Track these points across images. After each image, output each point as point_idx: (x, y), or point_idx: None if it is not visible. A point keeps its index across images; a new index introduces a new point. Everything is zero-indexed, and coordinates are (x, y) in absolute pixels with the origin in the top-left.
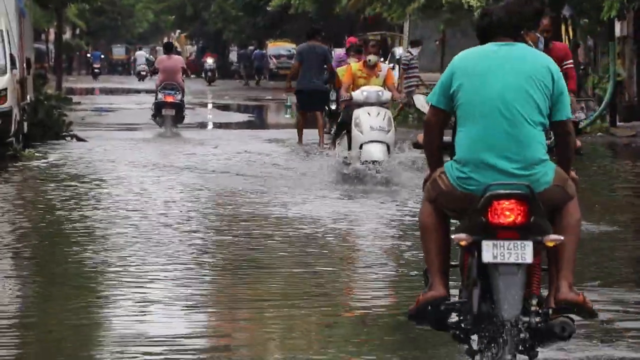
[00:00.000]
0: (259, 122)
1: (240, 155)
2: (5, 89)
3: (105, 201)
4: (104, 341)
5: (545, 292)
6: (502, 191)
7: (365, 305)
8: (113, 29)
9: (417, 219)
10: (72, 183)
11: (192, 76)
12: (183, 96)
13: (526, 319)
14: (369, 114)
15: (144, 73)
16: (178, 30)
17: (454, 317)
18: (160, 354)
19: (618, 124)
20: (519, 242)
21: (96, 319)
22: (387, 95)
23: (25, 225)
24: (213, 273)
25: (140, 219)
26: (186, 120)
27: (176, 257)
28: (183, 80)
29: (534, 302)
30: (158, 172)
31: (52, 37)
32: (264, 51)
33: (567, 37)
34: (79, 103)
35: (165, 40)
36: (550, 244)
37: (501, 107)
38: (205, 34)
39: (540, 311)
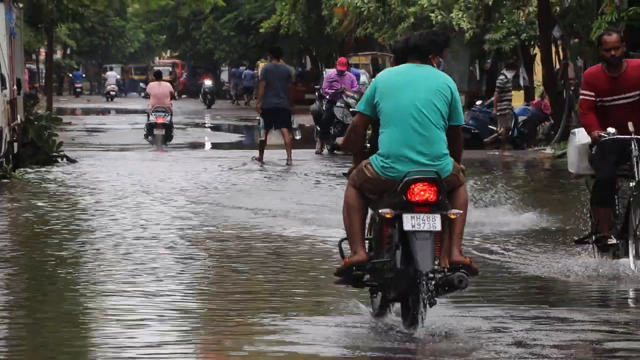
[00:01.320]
0: (250, 142)
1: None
2: None
3: (92, 221)
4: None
5: None
6: (417, 176)
7: None
8: (104, 49)
9: None
10: (61, 204)
11: (183, 96)
12: (172, 118)
13: (436, 274)
14: None
15: (113, 93)
16: (169, 50)
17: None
18: None
19: None
20: (430, 215)
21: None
22: None
23: (8, 243)
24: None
25: (125, 238)
26: (179, 140)
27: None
28: (171, 104)
29: (436, 262)
30: (149, 193)
31: (43, 57)
32: (255, 71)
33: (557, 57)
34: (69, 123)
35: (157, 60)
36: (453, 217)
37: (414, 114)
38: (197, 54)
39: (440, 269)
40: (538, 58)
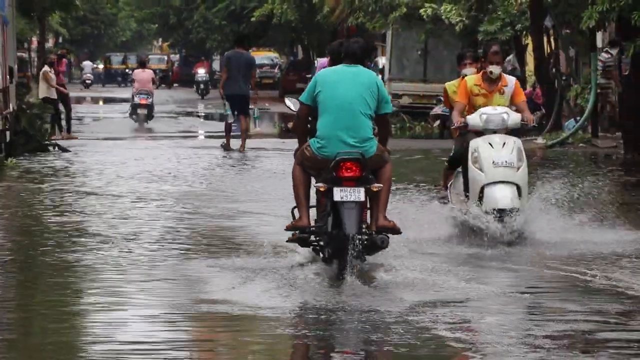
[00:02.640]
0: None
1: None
2: None
3: (84, 209)
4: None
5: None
6: (345, 156)
7: None
8: (96, 38)
9: None
10: (53, 193)
11: (175, 85)
12: (153, 100)
13: (360, 236)
14: (491, 144)
15: (89, 82)
16: (160, 39)
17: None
18: None
19: (599, 134)
20: (356, 188)
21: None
22: (514, 118)
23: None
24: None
25: (117, 225)
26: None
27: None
28: (152, 88)
29: (364, 226)
30: (141, 181)
31: (34, 45)
32: None
33: (548, 47)
34: (61, 112)
35: (144, 51)
36: (375, 190)
37: (346, 104)
38: (189, 43)
39: (366, 232)
40: (530, 48)
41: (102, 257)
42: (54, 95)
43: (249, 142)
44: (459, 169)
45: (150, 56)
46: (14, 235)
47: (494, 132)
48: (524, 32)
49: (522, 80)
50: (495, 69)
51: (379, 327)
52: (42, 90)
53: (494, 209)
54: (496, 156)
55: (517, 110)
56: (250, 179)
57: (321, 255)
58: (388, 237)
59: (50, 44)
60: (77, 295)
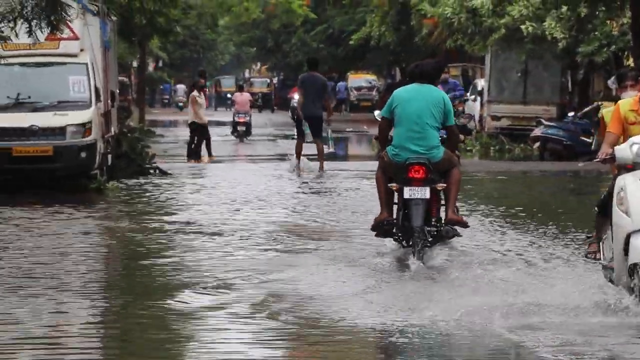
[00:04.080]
0: (342, 152)
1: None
2: (90, 122)
3: (182, 235)
4: None
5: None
6: (414, 161)
7: None
8: (195, 61)
9: None
10: (154, 217)
11: (275, 108)
12: (251, 118)
13: (427, 227)
14: None
15: (181, 104)
16: (259, 63)
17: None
18: None
19: None
20: (422, 188)
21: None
22: None
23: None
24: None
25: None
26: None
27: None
28: (251, 108)
29: (434, 220)
30: (241, 206)
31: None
32: (345, 83)
33: None
34: (161, 135)
35: (246, 74)
36: (439, 188)
37: (416, 118)
38: (286, 66)
39: (436, 224)
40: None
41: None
42: (203, 120)
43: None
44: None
45: (252, 79)
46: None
47: None
48: (626, 53)
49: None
50: None
51: None
52: (191, 115)
53: (636, 265)
54: None
55: None
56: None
57: (403, 243)
58: (455, 230)
59: (150, 68)
60: None
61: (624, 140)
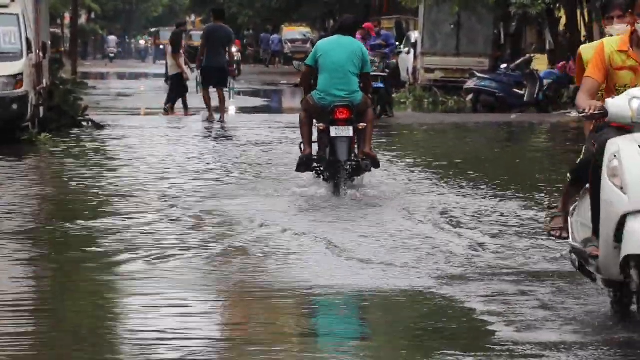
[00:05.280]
0: (276, 106)
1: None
2: (21, 74)
3: (116, 185)
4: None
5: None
6: (339, 104)
7: None
8: (128, 13)
9: None
10: (84, 168)
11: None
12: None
13: (350, 162)
14: None
15: (112, 55)
16: (193, 14)
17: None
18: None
19: None
20: (346, 127)
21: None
22: None
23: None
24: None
25: (146, 203)
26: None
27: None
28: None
29: (353, 155)
30: (172, 157)
31: (67, 21)
32: (279, 35)
33: (582, 20)
34: (94, 87)
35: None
36: (360, 127)
37: (338, 66)
38: None
39: (354, 159)
40: (563, 21)
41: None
42: (184, 70)
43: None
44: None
45: (191, 32)
46: (45, 210)
47: None
48: (557, 5)
49: (555, 54)
50: None
51: None
52: (173, 67)
53: (632, 257)
54: None
55: None
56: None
57: (321, 177)
58: (370, 164)
59: (83, 20)
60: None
61: (606, 90)
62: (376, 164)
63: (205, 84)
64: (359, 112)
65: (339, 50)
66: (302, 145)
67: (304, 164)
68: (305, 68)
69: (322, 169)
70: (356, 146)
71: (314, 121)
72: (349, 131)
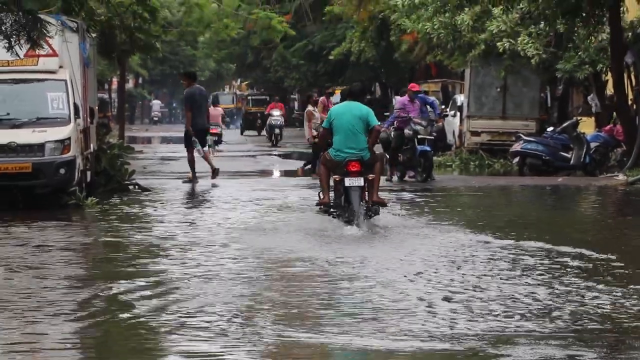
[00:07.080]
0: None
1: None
2: (69, 139)
3: (162, 251)
4: None
5: None
6: (351, 158)
7: None
8: (175, 78)
9: None
10: (132, 232)
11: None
12: (222, 130)
13: (363, 207)
14: None
15: (156, 119)
16: (239, 79)
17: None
18: None
19: None
20: (358, 178)
21: None
22: None
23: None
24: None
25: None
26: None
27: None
28: (223, 122)
29: (364, 201)
30: (218, 226)
31: (115, 86)
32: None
33: (629, 83)
34: (141, 152)
35: (226, 90)
36: (370, 178)
37: (349, 128)
38: (266, 82)
39: (365, 204)
40: (610, 84)
41: None
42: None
43: None
44: None
45: (218, 94)
46: (92, 271)
47: None
48: (604, 69)
49: (602, 117)
50: None
51: None
52: (307, 131)
53: None
54: None
55: None
56: None
57: (335, 220)
58: (379, 208)
59: (130, 84)
60: None
61: None
62: (384, 205)
63: (190, 145)
64: (368, 165)
65: (349, 115)
66: (320, 194)
67: (323, 210)
68: (322, 130)
69: (338, 213)
70: (366, 193)
71: (331, 173)
72: (360, 181)
